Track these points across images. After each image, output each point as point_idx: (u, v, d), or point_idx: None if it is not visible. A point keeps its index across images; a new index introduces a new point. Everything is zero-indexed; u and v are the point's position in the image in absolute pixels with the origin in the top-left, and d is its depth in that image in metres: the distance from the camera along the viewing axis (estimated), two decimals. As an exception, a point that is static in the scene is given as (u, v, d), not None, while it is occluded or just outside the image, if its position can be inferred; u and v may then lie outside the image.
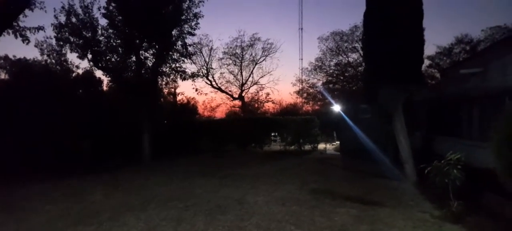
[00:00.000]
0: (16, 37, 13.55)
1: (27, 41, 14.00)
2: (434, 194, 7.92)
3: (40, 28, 14.46)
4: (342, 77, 30.45)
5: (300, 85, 32.59)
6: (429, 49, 28.19)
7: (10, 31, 13.34)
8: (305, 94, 33.14)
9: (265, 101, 32.80)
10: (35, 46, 17.39)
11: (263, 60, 31.29)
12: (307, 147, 21.32)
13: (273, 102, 33.29)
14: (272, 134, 23.60)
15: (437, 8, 43.65)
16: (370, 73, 11.52)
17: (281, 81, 45.49)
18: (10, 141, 13.05)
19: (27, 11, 13.53)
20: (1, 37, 12.95)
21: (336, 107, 22.15)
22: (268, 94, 32.37)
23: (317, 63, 31.28)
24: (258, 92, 32.36)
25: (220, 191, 9.60)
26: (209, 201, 8.48)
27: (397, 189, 9.59)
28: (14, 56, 19.68)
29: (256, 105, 32.65)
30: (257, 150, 21.81)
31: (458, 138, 11.66)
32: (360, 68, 27.75)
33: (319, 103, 32.67)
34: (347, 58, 29.70)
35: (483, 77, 8.14)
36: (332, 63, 30.89)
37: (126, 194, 9.58)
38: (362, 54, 25.45)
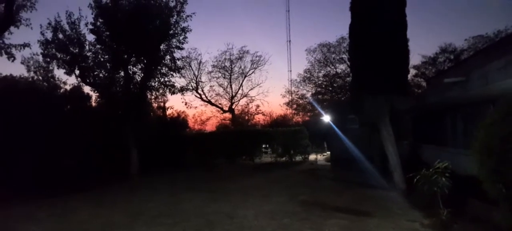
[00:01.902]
0: (1, 54, 13.45)
1: (12, 58, 13.91)
2: (422, 203, 8.00)
3: (26, 45, 14.41)
4: (330, 88, 30.72)
5: (290, 97, 32.77)
6: (415, 59, 28.79)
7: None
8: (294, 106, 33.29)
9: (255, 113, 32.84)
10: (22, 63, 17.30)
11: (252, 73, 31.40)
12: (298, 158, 21.37)
13: (263, 114, 33.35)
14: (263, 146, 23.59)
15: (421, 18, 44.71)
16: (356, 83, 11.68)
17: (270, 93, 46.02)
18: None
19: (12, 28, 13.45)
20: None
21: (326, 118, 22.30)
22: (258, 106, 32.44)
23: (305, 74, 31.55)
24: (248, 104, 32.40)
25: (210, 206, 9.54)
26: (198, 216, 8.41)
27: (386, 198, 9.67)
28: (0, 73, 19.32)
29: (247, 117, 32.65)
30: (248, 162, 21.76)
31: (443, 146, 11.86)
32: (348, 78, 28.06)
33: (309, 114, 32.83)
34: (335, 69, 30.04)
35: (466, 86, 8.32)
36: (320, 74, 31.20)
37: (113, 211, 9.43)
38: (349, 65, 25.80)
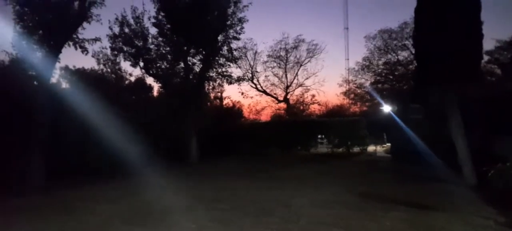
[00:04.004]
0: (76, 48, 14.54)
1: (85, 52, 15.02)
2: (496, 199, 7.31)
3: (97, 39, 15.41)
4: (391, 77, 29.25)
5: (347, 86, 31.80)
6: (488, 44, 26.17)
7: (71, 43, 14.35)
8: (352, 95, 32.26)
9: (310, 103, 32.36)
10: (92, 56, 18.63)
11: (307, 62, 30.94)
12: (356, 149, 20.73)
13: (319, 104, 32.75)
14: (319, 137, 23.23)
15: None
16: (422, 71, 10.96)
17: (326, 83, 44.63)
18: (67, 144, 13.99)
19: (85, 24, 14.45)
20: (63, 49, 14.00)
21: (386, 108, 21.33)
22: (313, 96, 31.92)
23: (364, 62, 30.34)
24: (303, 94, 32.03)
25: (266, 194, 9.59)
26: (254, 202, 8.50)
27: (454, 193, 8.99)
28: (74, 66, 21.20)
29: (302, 107, 32.32)
30: (303, 153, 21.58)
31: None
32: (410, 66, 26.50)
33: (367, 104, 31.64)
34: (396, 57, 28.51)
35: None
36: (380, 62, 29.81)
37: (174, 195, 9.86)
38: (413, 52, 24.28)
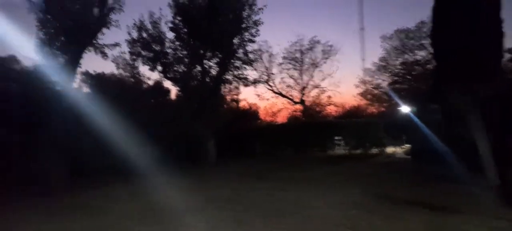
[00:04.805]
0: (96, 53, 14.99)
1: (105, 57, 15.46)
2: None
3: (116, 44, 15.88)
4: (409, 77, 28.66)
5: (364, 87, 31.38)
6: (510, 42, 25.35)
7: (91, 48, 14.77)
8: (369, 96, 31.80)
9: (327, 105, 32.08)
10: (112, 61, 19.10)
11: (323, 63, 30.67)
12: (374, 150, 20.43)
13: (335, 105, 32.41)
14: (336, 138, 23.01)
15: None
16: (440, 71, 10.70)
17: (342, 84, 44.31)
18: (88, 146, 14.38)
19: (104, 29, 14.84)
20: (83, 54, 14.42)
21: (404, 109, 20.93)
22: (329, 97, 31.61)
23: (381, 63, 29.82)
24: (319, 95, 31.75)
25: (280, 195, 9.60)
26: (268, 204, 8.52)
27: (475, 195, 8.75)
28: (94, 71, 21.75)
29: (318, 108, 32.09)
30: (320, 154, 21.43)
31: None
32: (428, 66, 25.92)
33: (385, 104, 31.11)
34: (413, 57, 27.93)
35: None
36: (397, 62, 29.25)
37: (189, 196, 9.99)
38: (430, 51, 23.78)
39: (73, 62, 14.10)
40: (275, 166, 16.50)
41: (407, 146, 21.87)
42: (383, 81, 30.40)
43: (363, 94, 31.89)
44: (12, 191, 11.53)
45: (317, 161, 17.97)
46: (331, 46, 30.17)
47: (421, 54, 27.38)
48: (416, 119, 18.00)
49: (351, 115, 28.11)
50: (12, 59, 18.22)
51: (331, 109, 32.60)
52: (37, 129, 13.52)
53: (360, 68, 56.33)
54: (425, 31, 25.35)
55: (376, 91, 31.32)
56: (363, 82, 31.21)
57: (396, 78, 29.61)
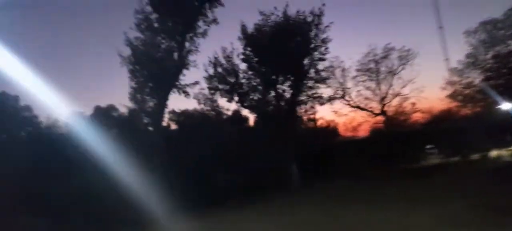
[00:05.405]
0: (179, 94, 16.26)
1: (188, 96, 16.66)
2: None
3: (196, 83, 17.21)
4: (504, 70, 25.69)
5: (452, 88, 28.79)
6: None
7: (175, 89, 16.08)
8: (460, 97, 29.04)
9: (412, 112, 30.01)
10: (194, 98, 20.40)
11: (401, 70, 28.98)
12: (474, 156, 18.38)
13: (421, 112, 30.15)
14: (427, 147, 21.29)
15: None
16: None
17: (426, 88, 40.86)
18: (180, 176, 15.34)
19: (184, 71, 16.21)
20: (169, 95, 15.76)
21: (505, 106, 18.66)
22: (414, 104, 29.54)
23: (469, 60, 27.25)
24: (401, 104, 29.89)
25: (377, 215, 8.97)
26: (366, 226, 8.05)
27: None
28: (179, 109, 23.23)
29: (402, 118, 30.17)
30: (411, 166, 19.91)
31: None
32: (529, 54, 23.01)
33: (480, 104, 28.10)
34: (507, 47, 25.06)
35: None
36: (488, 56, 26.47)
37: (277, 223, 9.92)
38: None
39: (161, 104, 15.44)
40: (365, 184, 15.74)
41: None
42: (474, 79, 27.65)
43: (452, 96, 29.23)
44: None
45: (410, 174, 16.73)
46: (407, 51, 28.48)
47: (516, 44, 24.51)
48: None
49: (442, 120, 25.86)
50: (111, 108, 20.60)
51: (417, 117, 30.41)
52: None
53: (444, 69, 51.94)
54: (517, 18, 22.72)
55: (467, 91, 28.51)
56: (451, 83, 28.71)
57: (489, 74, 26.74)
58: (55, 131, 18.58)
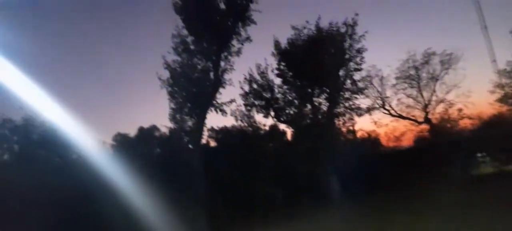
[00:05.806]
0: (216, 112, 16.57)
1: (225, 113, 16.95)
2: None
3: (232, 101, 17.50)
4: (562, 67, 23.81)
5: (502, 91, 27.00)
6: None
7: (212, 108, 16.43)
8: (510, 100, 27.17)
9: (459, 119, 28.41)
10: (231, 115, 20.73)
11: (445, 75, 27.63)
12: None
13: (469, 118, 28.46)
14: (478, 155, 20.01)
15: None
16: None
17: (473, 92, 38.47)
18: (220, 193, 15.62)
19: (220, 89, 16.53)
20: (206, 114, 16.13)
21: None
22: (460, 110, 27.99)
23: (517, 60, 25.54)
24: (447, 110, 28.42)
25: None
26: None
27: None
28: (217, 126, 23.37)
29: (449, 125, 28.65)
30: (461, 175, 18.73)
31: None
32: None
33: (535, 105, 26.12)
34: (561, 41, 23.22)
35: None
36: (540, 53, 24.67)
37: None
38: None
39: (199, 122, 15.86)
40: (416, 195, 15.12)
41: None
42: (526, 80, 25.81)
43: (502, 100, 27.44)
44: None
45: (463, 184, 15.71)
46: (450, 54, 27.20)
47: None
48: None
49: (493, 125, 24.25)
50: (153, 128, 21.49)
51: (465, 123, 28.74)
52: (180, 180, 15.25)
53: (492, 71, 49.05)
54: None
55: (519, 93, 26.68)
56: (500, 86, 26.98)
57: (541, 73, 24.91)
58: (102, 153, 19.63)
